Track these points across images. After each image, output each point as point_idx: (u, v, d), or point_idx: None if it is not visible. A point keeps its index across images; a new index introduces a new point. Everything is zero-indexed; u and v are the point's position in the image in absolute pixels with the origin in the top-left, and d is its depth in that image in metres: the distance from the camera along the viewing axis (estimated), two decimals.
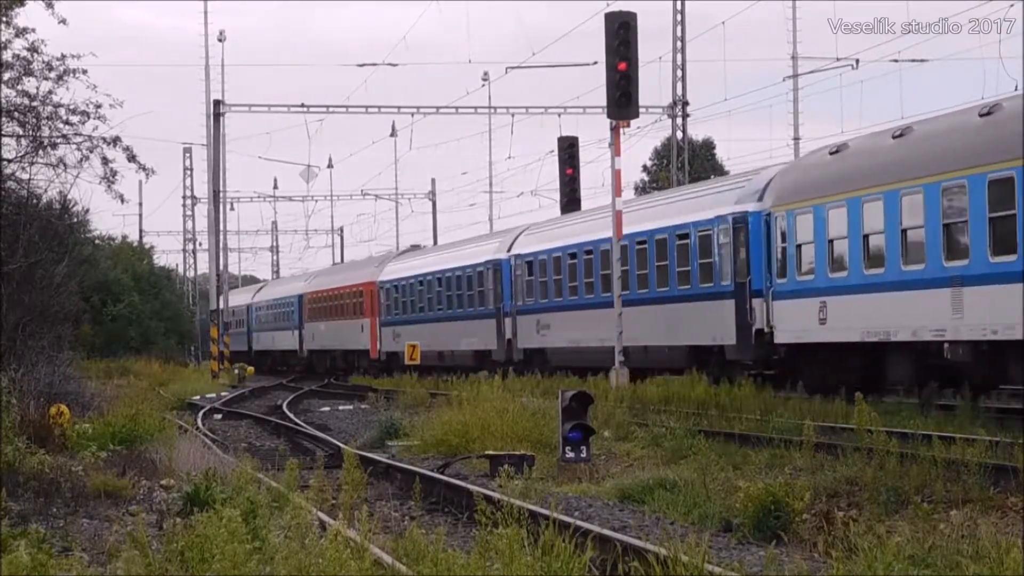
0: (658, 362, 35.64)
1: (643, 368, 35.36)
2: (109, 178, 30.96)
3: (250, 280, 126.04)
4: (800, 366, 29.16)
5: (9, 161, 29.96)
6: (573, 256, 41.01)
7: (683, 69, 57.24)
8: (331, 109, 56.96)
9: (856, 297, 26.33)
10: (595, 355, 38.13)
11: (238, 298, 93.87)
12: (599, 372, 35.56)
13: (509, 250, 46.29)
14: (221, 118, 58.00)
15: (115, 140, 30.60)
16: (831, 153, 28.39)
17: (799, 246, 28.55)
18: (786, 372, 29.79)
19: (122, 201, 33.79)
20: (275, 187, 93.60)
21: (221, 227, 61.64)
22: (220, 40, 69.17)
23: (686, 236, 34.28)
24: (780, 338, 29.36)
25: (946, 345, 23.79)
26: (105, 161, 30.68)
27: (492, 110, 59.97)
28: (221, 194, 59.46)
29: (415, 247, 67.36)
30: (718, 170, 78.40)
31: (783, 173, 30.91)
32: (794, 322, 28.77)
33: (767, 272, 29.95)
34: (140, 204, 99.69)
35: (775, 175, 31.07)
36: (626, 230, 35.99)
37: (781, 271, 29.27)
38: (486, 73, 64.87)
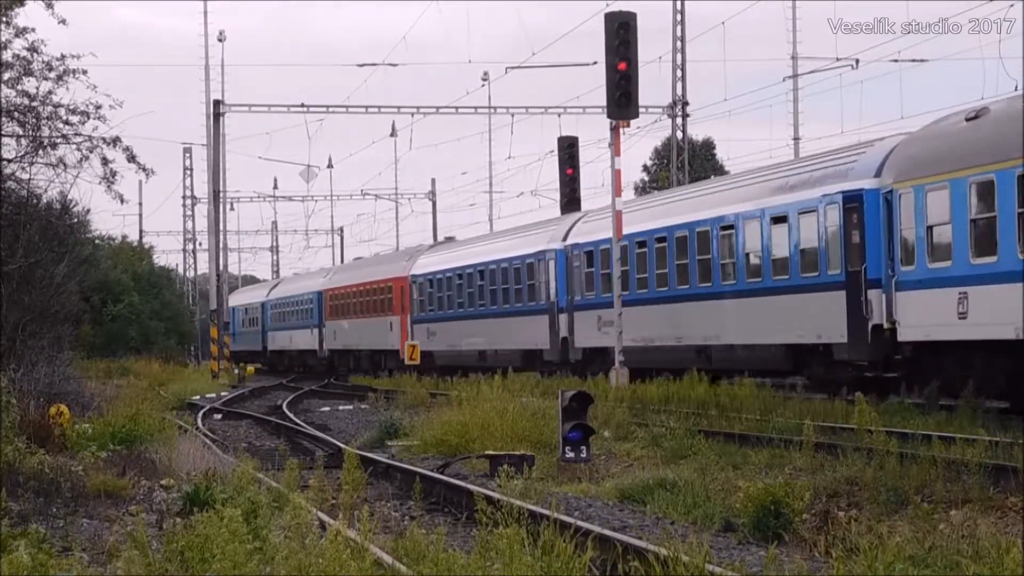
0: (747, 363, 31.69)
1: (729, 370, 32.16)
2: (109, 178, 30.99)
3: (250, 280, 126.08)
4: (930, 368, 25.33)
5: (9, 161, 29.97)
6: (642, 244, 36.78)
7: (683, 69, 57.26)
8: (331, 109, 56.98)
9: (1008, 287, 22.58)
10: (672, 355, 34.69)
11: (252, 295, 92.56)
12: (679, 374, 31.45)
13: (565, 239, 42.08)
14: (221, 118, 57.99)
15: (115, 140, 30.63)
16: (968, 120, 24.81)
17: (930, 227, 24.81)
18: (911, 375, 26.07)
19: (122, 201, 33.83)
20: (275, 187, 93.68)
21: (221, 227, 61.62)
22: (220, 40, 69.22)
23: (782, 219, 30.20)
24: (905, 335, 25.65)
25: None
26: (105, 161, 30.72)
27: (492, 110, 59.99)
28: (221, 194, 59.46)
29: (450, 239, 62.85)
30: (718, 170, 78.42)
31: (906, 144, 26.91)
32: (924, 316, 25.09)
33: (888, 259, 26.31)
34: (140, 204, 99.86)
35: (895, 146, 27.17)
36: (707, 214, 33.33)
37: (907, 258, 25.55)
38: (486, 73, 64.91)
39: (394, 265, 60.67)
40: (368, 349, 62.77)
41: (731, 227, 32.26)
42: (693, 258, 33.94)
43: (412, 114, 58.02)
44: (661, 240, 35.67)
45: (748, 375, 30.76)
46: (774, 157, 73.40)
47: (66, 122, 30.34)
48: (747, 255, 31.66)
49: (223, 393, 48.25)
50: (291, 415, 35.76)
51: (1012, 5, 40.65)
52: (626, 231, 36.07)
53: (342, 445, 23.83)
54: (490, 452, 20.80)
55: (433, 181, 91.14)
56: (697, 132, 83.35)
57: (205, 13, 71.32)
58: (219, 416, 37.12)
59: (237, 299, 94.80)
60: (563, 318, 41.65)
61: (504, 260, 47.00)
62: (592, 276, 39.70)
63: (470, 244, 55.22)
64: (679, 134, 58.49)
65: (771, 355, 30.48)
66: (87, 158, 30.42)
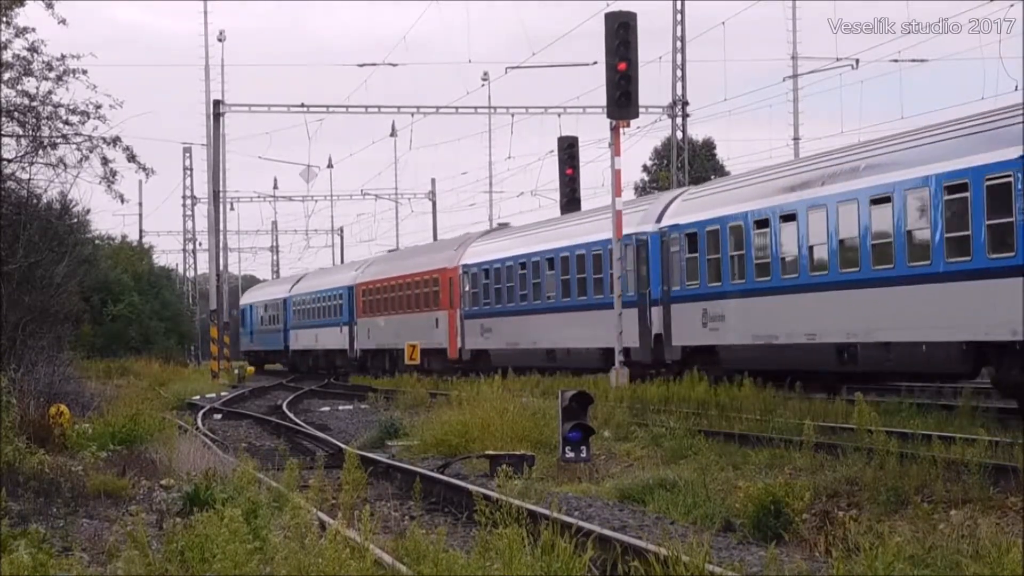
0: (909, 364, 26.49)
1: (879, 374, 28.40)
2: (109, 178, 30.98)
3: (250, 280, 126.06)
4: None
5: (9, 161, 29.96)
6: (763, 224, 30.60)
7: (683, 69, 57.28)
8: (331, 109, 56.99)
9: None
10: (801, 355, 29.07)
11: (271, 291, 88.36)
12: (809, 379, 27.94)
13: (658, 220, 36.38)
14: (221, 118, 57.99)
15: (115, 140, 30.62)
16: None
17: None
18: None
19: (122, 201, 33.81)
20: (275, 187, 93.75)
21: (221, 227, 61.62)
22: (220, 40, 69.25)
23: (961, 187, 24.12)
24: None
25: None
26: (105, 161, 30.71)
27: (492, 110, 59.98)
28: (221, 194, 59.45)
29: (504, 225, 56.64)
30: (718, 170, 78.47)
31: None
32: None
33: None
34: (140, 204, 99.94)
35: None
36: (853, 184, 27.35)
37: None
38: (486, 73, 64.91)
39: (440, 255, 55.13)
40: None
41: (887, 198, 26.22)
42: (833, 238, 27.86)
43: (412, 114, 58.08)
44: (789, 218, 29.60)
45: (900, 378, 28.10)
46: (774, 157, 73.36)
47: (66, 122, 30.36)
48: (910, 234, 25.57)
49: (223, 393, 48.26)
50: (291, 415, 35.76)
51: (1012, 5, 40.67)
52: (736, 209, 31.72)
53: (342, 445, 23.84)
54: (490, 452, 20.80)
55: (433, 181, 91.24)
56: (697, 132, 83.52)
57: (205, 13, 71.23)
58: (219, 416, 37.12)
59: (254, 296, 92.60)
60: (656, 312, 35.88)
61: (581, 246, 41.10)
62: (695, 262, 33.77)
63: (536, 229, 48.54)
64: (679, 134, 58.51)
65: (946, 355, 24.97)
66: (87, 158, 30.44)
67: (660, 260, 35.86)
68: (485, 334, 47.95)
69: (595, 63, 50.41)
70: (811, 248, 28.84)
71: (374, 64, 61.71)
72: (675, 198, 36.95)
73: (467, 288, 50.04)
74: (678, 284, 34.71)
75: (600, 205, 47.83)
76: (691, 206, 35.08)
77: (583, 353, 40.07)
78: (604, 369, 36.85)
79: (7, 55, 29.77)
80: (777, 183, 31.19)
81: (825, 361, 28.17)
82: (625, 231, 37.04)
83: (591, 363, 38.53)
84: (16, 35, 29.82)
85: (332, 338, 68.73)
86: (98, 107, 30.26)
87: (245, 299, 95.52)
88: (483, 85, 64.63)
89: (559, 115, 56.50)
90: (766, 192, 31.15)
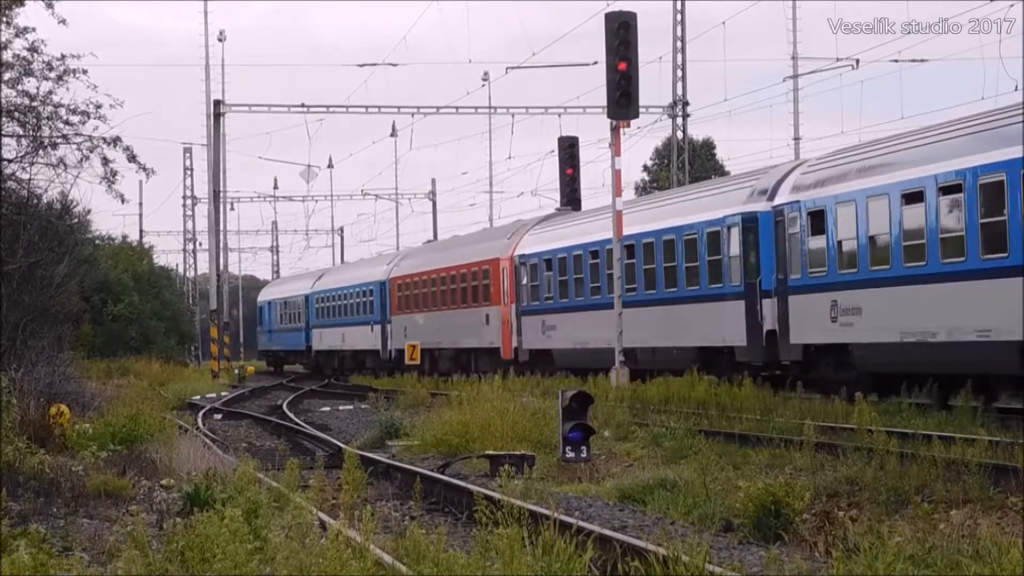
0: None
1: None
2: (109, 178, 30.97)
3: (250, 280, 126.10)
4: None
5: (9, 161, 29.96)
6: (915, 198, 25.17)
7: (683, 69, 57.30)
8: (331, 109, 56.99)
9: None
10: (977, 355, 23.57)
11: (291, 287, 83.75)
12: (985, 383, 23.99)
13: (771, 196, 31.34)
14: (221, 118, 58.00)
15: (115, 140, 30.61)
16: None
17: None
18: None
19: (122, 201, 33.78)
20: (275, 187, 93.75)
21: (221, 227, 61.64)
22: (220, 40, 69.32)
23: None
24: None
25: None
26: (105, 161, 30.69)
27: (492, 110, 59.99)
28: (221, 194, 59.45)
29: (562, 210, 49.77)
30: (718, 170, 78.51)
31: None
32: None
33: None
34: (140, 204, 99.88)
35: None
36: None
37: None
38: (486, 73, 64.89)
39: (491, 244, 49.75)
40: (453, 347, 52.34)
41: None
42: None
43: (412, 114, 58.10)
44: (952, 190, 24.17)
45: None
46: (775, 157, 73.32)
47: (66, 122, 30.35)
48: None
49: (223, 393, 48.26)
50: (291, 415, 35.76)
51: (1012, 5, 40.64)
52: (879, 181, 26.46)
53: (342, 445, 23.84)
54: (490, 452, 20.81)
55: (433, 181, 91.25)
56: (697, 132, 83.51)
57: (205, 13, 71.20)
58: (219, 416, 37.12)
59: (272, 292, 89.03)
60: (769, 304, 30.90)
61: (669, 230, 35.80)
62: (823, 246, 28.33)
63: (609, 212, 41.05)
64: (679, 134, 58.53)
65: None
66: (87, 158, 30.42)
67: (774, 244, 30.65)
68: (547, 332, 42.81)
69: (595, 63, 50.45)
70: (981, 224, 23.29)
71: (374, 64, 61.80)
72: (791, 171, 31.59)
73: (524, 281, 45.03)
74: (798, 272, 29.26)
75: (695, 184, 43.85)
76: (816, 179, 29.29)
77: (672, 353, 35.37)
78: (700, 370, 32.15)
79: (7, 55, 29.78)
80: (934, 149, 25.44)
81: (1003, 363, 22.92)
82: (724, 211, 32.93)
83: (683, 363, 33.30)
84: (16, 35, 29.83)
85: (362, 337, 64.02)
86: (98, 107, 30.28)
87: (263, 296, 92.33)
88: (483, 85, 64.65)
89: (559, 115, 56.54)
90: (915, 160, 25.65)
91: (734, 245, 32.31)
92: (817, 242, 28.59)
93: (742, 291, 31.90)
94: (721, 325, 32.70)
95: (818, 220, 28.45)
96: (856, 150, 29.28)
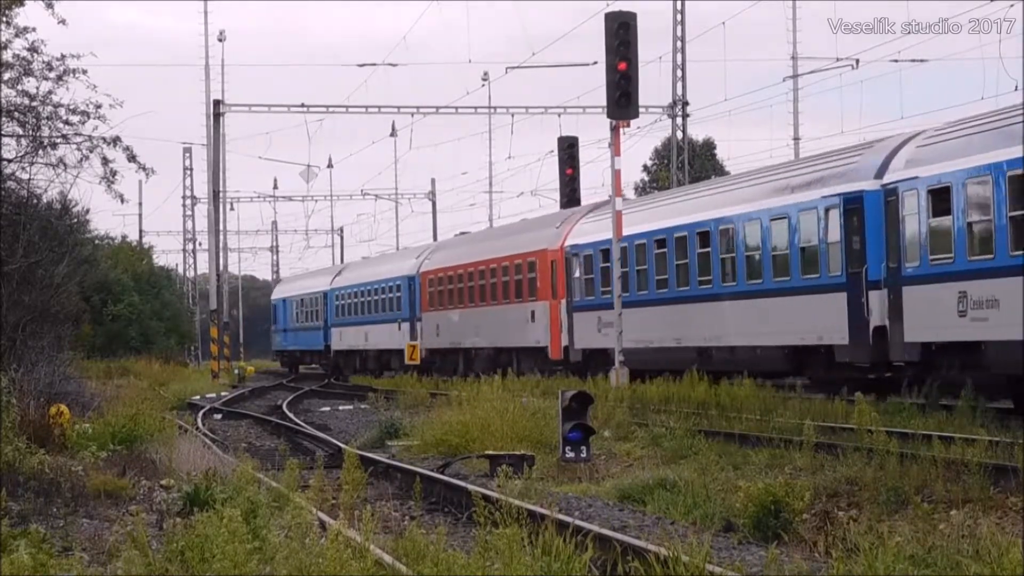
0: None
1: None
2: (109, 178, 30.95)
3: (250, 280, 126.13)
4: None
5: (9, 161, 29.95)
6: None
7: (683, 69, 57.31)
8: (331, 109, 57.01)
9: None
10: None
11: (307, 284, 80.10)
12: None
13: (879, 174, 27.51)
14: (221, 118, 58.02)
15: (115, 140, 30.59)
16: None
17: None
18: None
19: (122, 201, 33.79)
20: (275, 187, 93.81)
21: (221, 227, 61.64)
22: (220, 40, 69.33)
23: None
24: None
25: None
26: (105, 161, 30.68)
27: (492, 110, 60.00)
28: (221, 194, 59.47)
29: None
30: (719, 170, 78.50)
31: None
32: None
33: None
34: (140, 204, 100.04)
35: None
36: None
37: None
38: (486, 73, 64.90)
39: (537, 234, 45.87)
40: (491, 347, 48.28)
41: None
42: None
43: (412, 114, 58.12)
44: None
45: None
46: (774, 157, 73.32)
47: (66, 122, 30.34)
48: None
49: (223, 393, 48.28)
50: (291, 415, 35.77)
51: (1012, 5, 40.63)
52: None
53: (342, 445, 23.84)
54: (490, 452, 20.81)
55: (433, 181, 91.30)
56: (697, 132, 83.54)
57: (205, 13, 71.18)
58: (219, 416, 37.14)
59: (287, 290, 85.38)
60: (877, 297, 27.35)
61: (753, 215, 31.79)
62: (947, 229, 24.75)
63: (674, 197, 39.16)
64: (679, 134, 58.54)
65: None
66: (87, 158, 30.40)
67: (883, 229, 27.00)
68: (604, 329, 38.21)
69: (595, 63, 50.45)
70: None
71: (374, 64, 61.86)
72: (904, 143, 27.71)
73: (577, 273, 40.83)
74: (916, 259, 25.75)
75: (780, 162, 37.72)
76: (937, 152, 25.69)
77: (755, 353, 31.32)
78: (788, 372, 30.01)
79: (7, 55, 29.76)
80: None
81: None
82: (821, 192, 29.26)
83: (772, 364, 30.40)
84: (16, 35, 29.82)
85: (387, 336, 60.04)
86: (98, 107, 30.25)
87: (277, 293, 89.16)
88: (483, 85, 64.66)
89: (559, 115, 56.56)
90: None
91: (833, 230, 28.49)
92: (941, 224, 24.95)
93: (843, 282, 28.14)
94: (817, 321, 28.87)
95: (942, 199, 24.82)
96: (989, 117, 25.46)
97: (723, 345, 32.84)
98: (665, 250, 35.76)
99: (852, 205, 28.12)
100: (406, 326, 57.39)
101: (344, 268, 74.62)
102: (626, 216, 37.11)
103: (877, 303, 27.28)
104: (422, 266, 56.99)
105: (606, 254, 38.43)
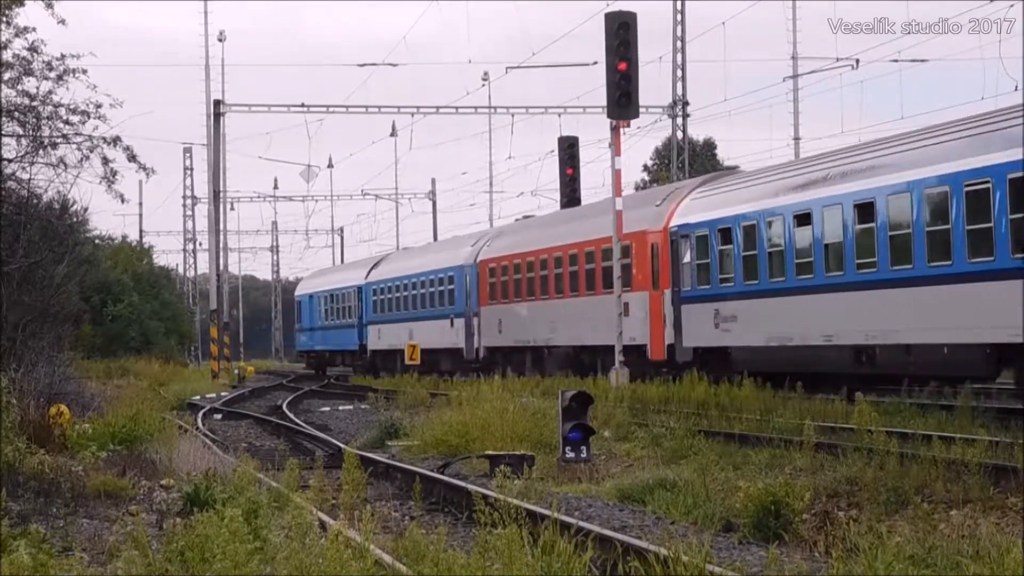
0: None
1: None
2: (109, 178, 30.97)
3: (250, 280, 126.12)
4: None
5: (9, 161, 29.95)
6: None
7: (683, 69, 57.34)
8: (331, 109, 57.00)
9: None
10: None
11: (338, 278, 73.52)
12: None
13: None
14: (221, 118, 58.01)
15: (115, 140, 30.61)
16: None
17: None
18: None
19: (122, 201, 33.79)
20: (275, 187, 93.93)
21: (221, 227, 61.63)
22: (220, 40, 69.36)
23: None
24: None
25: None
26: (105, 161, 30.70)
27: (492, 110, 60.01)
28: (221, 194, 59.46)
29: (730, 171, 38.42)
30: (719, 170, 78.53)
31: None
32: None
33: None
34: (140, 204, 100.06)
35: None
36: None
37: None
38: (486, 73, 64.94)
39: (633, 213, 37.87)
40: (571, 345, 42.06)
41: None
42: None
43: (412, 114, 58.14)
44: None
45: None
46: (774, 157, 73.23)
47: (66, 122, 30.35)
48: None
49: (223, 393, 48.26)
50: (291, 415, 35.76)
51: (1012, 5, 40.63)
52: None
53: (342, 445, 23.83)
54: (490, 452, 20.80)
55: (433, 181, 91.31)
56: (697, 132, 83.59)
57: (205, 13, 71.33)
58: (219, 416, 37.13)
59: (313, 285, 78.81)
60: None
61: (916, 183, 25.39)
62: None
63: (813, 164, 31.26)
64: (679, 134, 58.54)
65: None
66: (87, 158, 30.43)
67: None
68: (722, 324, 32.66)
69: (595, 63, 50.50)
70: None
71: (374, 64, 61.88)
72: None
73: (687, 259, 34.37)
74: None
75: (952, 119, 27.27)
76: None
77: (941, 352, 24.90)
78: (986, 377, 24.99)
79: (7, 55, 29.78)
80: None
81: None
82: (991, 161, 23.34)
83: (960, 366, 24.72)
84: (16, 35, 29.83)
85: (436, 334, 53.52)
86: (98, 107, 30.28)
87: (302, 289, 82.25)
88: (483, 85, 64.72)
89: (559, 115, 56.61)
90: None
91: (1002, 207, 22.98)
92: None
93: (1021, 267, 22.66)
94: (984, 316, 23.58)
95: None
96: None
97: (889, 344, 26.48)
98: (807, 228, 29.03)
99: None
100: (460, 322, 51.18)
101: (382, 259, 67.62)
102: (735, 192, 33.06)
103: None
104: (480, 254, 50.43)
105: (726, 234, 32.42)
